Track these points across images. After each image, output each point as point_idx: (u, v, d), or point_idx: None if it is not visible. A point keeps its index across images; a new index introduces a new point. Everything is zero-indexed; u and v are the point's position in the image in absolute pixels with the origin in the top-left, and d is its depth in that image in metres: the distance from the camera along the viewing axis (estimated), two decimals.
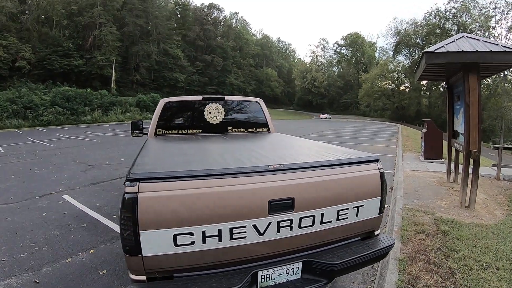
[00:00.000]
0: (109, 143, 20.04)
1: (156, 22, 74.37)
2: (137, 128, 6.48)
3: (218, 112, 5.67)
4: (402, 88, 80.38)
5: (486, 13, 63.76)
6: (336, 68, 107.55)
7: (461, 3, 66.34)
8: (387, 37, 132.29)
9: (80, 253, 4.82)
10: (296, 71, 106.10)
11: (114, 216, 6.25)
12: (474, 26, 64.72)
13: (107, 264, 4.46)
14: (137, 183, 2.25)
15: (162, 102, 5.67)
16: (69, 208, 7.00)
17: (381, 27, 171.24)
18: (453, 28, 68.59)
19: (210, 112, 5.64)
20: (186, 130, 5.62)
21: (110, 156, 14.20)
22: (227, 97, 5.86)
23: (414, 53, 78.64)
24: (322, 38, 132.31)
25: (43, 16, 61.68)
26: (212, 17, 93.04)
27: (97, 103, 46.21)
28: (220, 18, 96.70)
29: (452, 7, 68.15)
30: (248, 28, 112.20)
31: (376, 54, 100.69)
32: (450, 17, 69.59)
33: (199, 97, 5.74)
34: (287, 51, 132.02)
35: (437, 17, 71.81)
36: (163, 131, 5.53)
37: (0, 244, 5.24)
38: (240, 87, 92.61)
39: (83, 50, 62.75)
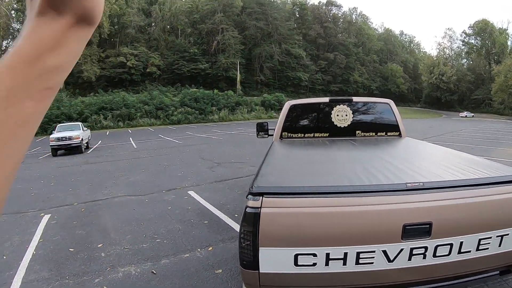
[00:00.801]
0: (235, 141, 20.21)
1: (276, 23, 74.55)
2: (262, 129, 6.27)
3: (346, 115, 5.31)
4: None
5: None
6: (465, 60, 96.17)
7: None
8: None
9: (198, 249, 4.79)
10: (423, 66, 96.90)
11: (236, 215, 6.05)
12: None
13: (223, 264, 4.32)
14: (260, 197, 2.17)
15: (287, 104, 5.50)
16: (193, 203, 7.08)
17: None
18: None
19: (337, 115, 5.31)
20: (312, 134, 5.37)
21: (235, 154, 14.10)
22: (355, 99, 5.46)
23: None
24: (448, 28, 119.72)
25: (168, 26, 69.70)
26: (331, 14, 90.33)
27: (224, 103, 48.48)
28: (339, 15, 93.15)
29: None
30: (369, 23, 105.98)
31: (509, 43, 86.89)
32: None
33: (326, 99, 5.48)
34: (412, 45, 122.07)
35: None
36: (289, 134, 5.35)
37: (125, 233, 5.47)
38: (365, 85, 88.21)
39: (208, 54, 67.36)
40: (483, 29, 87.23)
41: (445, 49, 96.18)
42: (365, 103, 5.67)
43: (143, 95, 46.95)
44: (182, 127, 36.14)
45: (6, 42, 58.51)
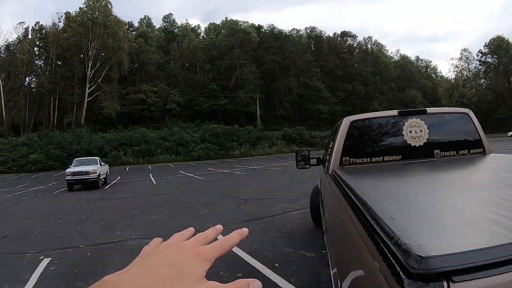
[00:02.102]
0: (259, 176, 19.27)
1: (293, 57, 74.93)
2: (303, 158, 5.51)
3: (421, 130, 4.14)
4: None
5: None
6: (484, 80, 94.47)
7: None
8: None
9: None
10: (442, 90, 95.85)
11: (277, 265, 5.01)
12: None
13: None
14: (445, 282, 0.96)
15: (346, 121, 4.21)
16: None
17: None
18: None
19: (410, 131, 4.13)
20: (381, 157, 4.06)
21: (262, 190, 13.02)
22: (429, 110, 4.28)
23: None
24: (464, 49, 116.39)
25: (187, 63, 70.84)
26: (346, 45, 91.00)
27: (244, 138, 48.27)
28: (355, 45, 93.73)
29: None
30: (385, 51, 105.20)
31: None
32: None
33: (394, 112, 4.30)
34: (428, 69, 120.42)
35: None
36: (351, 159, 4.05)
37: None
38: None
39: (227, 90, 67.75)
40: (498, 46, 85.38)
41: (462, 71, 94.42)
42: (441, 115, 4.63)
43: (163, 131, 47.75)
44: (203, 163, 35.74)
45: (29, 78, 60.77)
